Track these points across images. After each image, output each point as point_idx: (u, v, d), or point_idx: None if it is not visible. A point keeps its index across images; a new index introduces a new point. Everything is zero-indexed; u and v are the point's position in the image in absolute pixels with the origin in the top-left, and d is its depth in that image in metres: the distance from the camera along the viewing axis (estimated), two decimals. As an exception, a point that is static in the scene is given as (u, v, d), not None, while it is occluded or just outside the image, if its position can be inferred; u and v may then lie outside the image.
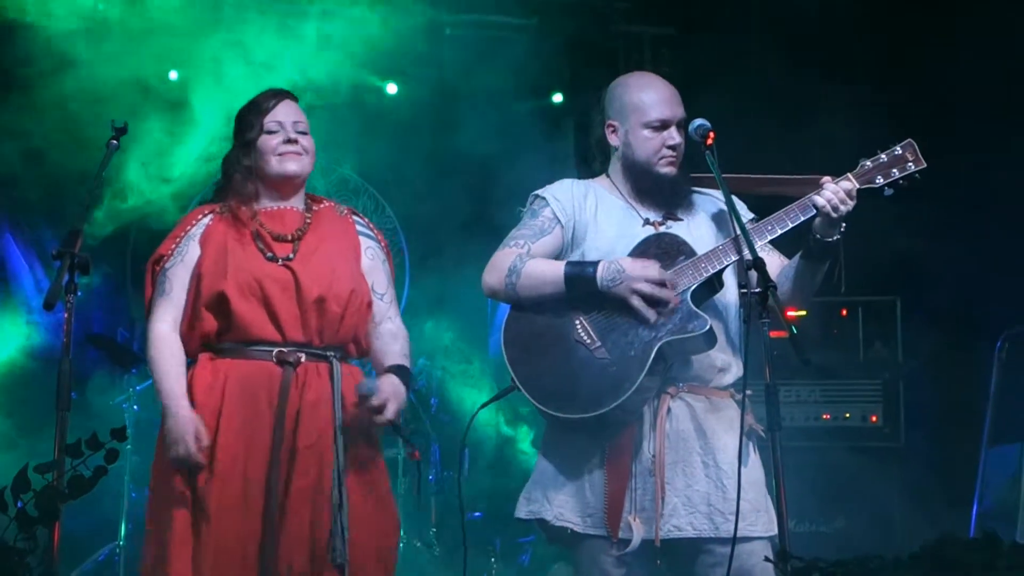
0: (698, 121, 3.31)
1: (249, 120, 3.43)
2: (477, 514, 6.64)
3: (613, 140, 3.46)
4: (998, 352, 5.13)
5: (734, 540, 3.06)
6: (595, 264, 3.26)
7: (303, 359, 3.27)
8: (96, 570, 5.85)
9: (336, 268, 3.36)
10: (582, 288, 3.25)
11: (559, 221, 3.42)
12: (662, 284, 3.20)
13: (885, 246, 5.41)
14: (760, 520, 3.24)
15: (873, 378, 5.69)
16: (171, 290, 3.34)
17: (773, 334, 2.96)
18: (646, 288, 3.20)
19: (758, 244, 3.20)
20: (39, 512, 2.47)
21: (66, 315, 2.99)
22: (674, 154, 3.38)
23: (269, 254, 3.32)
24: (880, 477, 5.49)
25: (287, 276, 3.30)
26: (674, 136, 3.37)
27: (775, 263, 3.39)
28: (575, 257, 3.40)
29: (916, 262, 5.55)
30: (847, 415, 5.67)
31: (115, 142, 3.27)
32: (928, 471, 5.43)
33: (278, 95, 3.48)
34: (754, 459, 3.33)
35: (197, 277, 3.31)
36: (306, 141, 3.43)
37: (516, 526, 6.20)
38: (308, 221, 3.43)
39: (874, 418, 5.65)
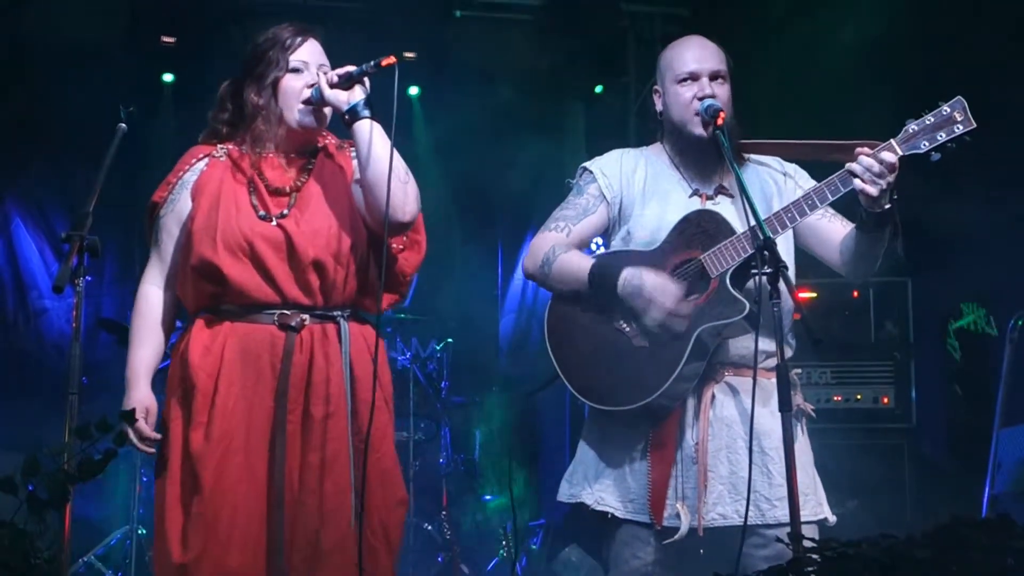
0: (708, 101, 3.24)
1: (270, 56, 3.07)
2: (488, 497, 6.66)
3: (658, 105, 3.40)
4: (1010, 332, 5.10)
5: (744, 525, 3.02)
6: (619, 270, 3.19)
7: (307, 322, 3.01)
8: (109, 553, 5.88)
9: (333, 224, 3.05)
10: (605, 289, 3.20)
11: (604, 198, 3.38)
12: (675, 310, 3.11)
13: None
14: (807, 504, 3.15)
15: (884, 359, 5.66)
16: (160, 243, 3.15)
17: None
18: (657, 315, 3.13)
19: (800, 220, 3.12)
20: (49, 495, 2.47)
21: (75, 299, 2.96)
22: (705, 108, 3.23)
23: (261, 212, 3.04)
24: (892, 458, 5.47)
25: (279, 236, 3.01)
26: (706, 88, 3.27)
27: (837, 229, 3.29)
28: (620, 234, 3.36)
29: (927, 242, 5.50)
30: (858, 396, 5.64)
31: (123, 125, 3.20)
32: (940, 452, 5.41)
33: (304, 31, 3.11)
34: (802, 441, 3.24)
35: (188, 234, 3.05)
36: None
37: (526, 510, 6.23)
38: (310, 168, 3.12)
39: (885, 399, 5.62)
